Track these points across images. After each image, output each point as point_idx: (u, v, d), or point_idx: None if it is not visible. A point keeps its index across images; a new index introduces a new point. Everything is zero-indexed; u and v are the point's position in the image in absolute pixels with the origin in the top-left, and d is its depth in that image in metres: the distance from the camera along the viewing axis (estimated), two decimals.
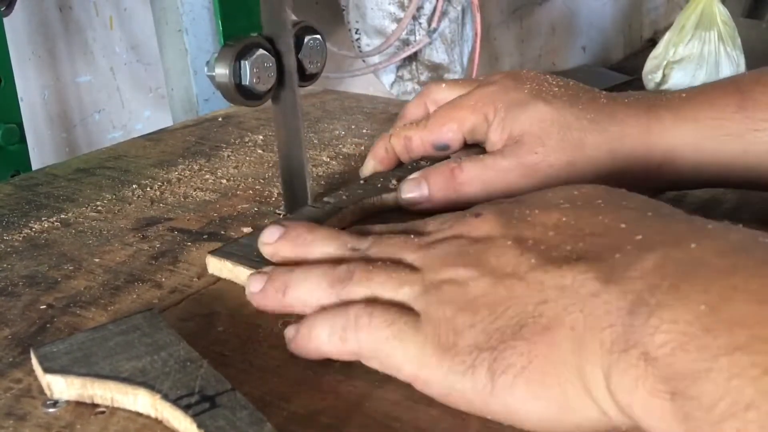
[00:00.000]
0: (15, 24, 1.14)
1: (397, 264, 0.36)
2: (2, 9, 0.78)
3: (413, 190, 0.50)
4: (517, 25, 1.92)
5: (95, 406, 0.34)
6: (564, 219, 0.33)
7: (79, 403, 0.34)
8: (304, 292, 0.38)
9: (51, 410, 0.34)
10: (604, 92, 0.50)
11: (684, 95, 0.48)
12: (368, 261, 0.37)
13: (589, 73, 2.01)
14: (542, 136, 0.47)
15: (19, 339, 0.39)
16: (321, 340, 0.35)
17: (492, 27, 1.83)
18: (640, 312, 0.27)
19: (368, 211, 0.52)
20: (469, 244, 0.35)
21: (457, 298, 0.33)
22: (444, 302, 0.33)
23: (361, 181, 0.54)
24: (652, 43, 2.08)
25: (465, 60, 1.31)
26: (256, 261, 0.43)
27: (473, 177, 0.49)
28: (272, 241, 0.41)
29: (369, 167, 0.55)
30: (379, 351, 0.34)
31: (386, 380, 0.35)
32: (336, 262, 0.38)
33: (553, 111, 0.48)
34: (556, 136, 0.47)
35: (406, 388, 0.34)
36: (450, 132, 0.51)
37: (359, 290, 0.36)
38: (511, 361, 0.30)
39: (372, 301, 0.35)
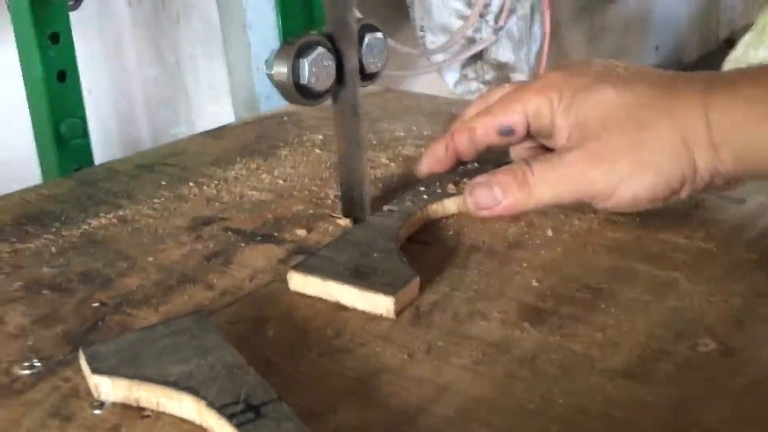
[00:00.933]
0: (84, 18, 1.16)
1: None
2: (70, 3, 0.79)
3: (485, 195, 0.48)
4: (588, 23, 1.87)
5: (141, 409, 0.33)
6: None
7: (125, 406, 0.34)
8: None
9: (97, 412, 0.33)
10: (670, 72, 0.48)
11: (751, 73, 0.45)
12: None
13: None
14: (605, 120, 0.46)
15: (71, 336, 0.39)
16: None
17: (561, 25, 1.79)
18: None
19: (429, 219, 0.51)
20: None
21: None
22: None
23: (421, 188, 0.52)
24: (729, 43, 2.00)
25: (532, 59, 1.28)
26: (344, 274, 0.42)
27: (544, 177, 0.47)
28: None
29: (425, 167, 0.54)
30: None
31: (440, 394, 0.34)
32: None
33: (615, 94, 0.46)
34: (618, 119, 0.46)
35: (461, 404, 0.33)
36: (515, 114, 0.50)
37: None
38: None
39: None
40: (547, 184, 0.47)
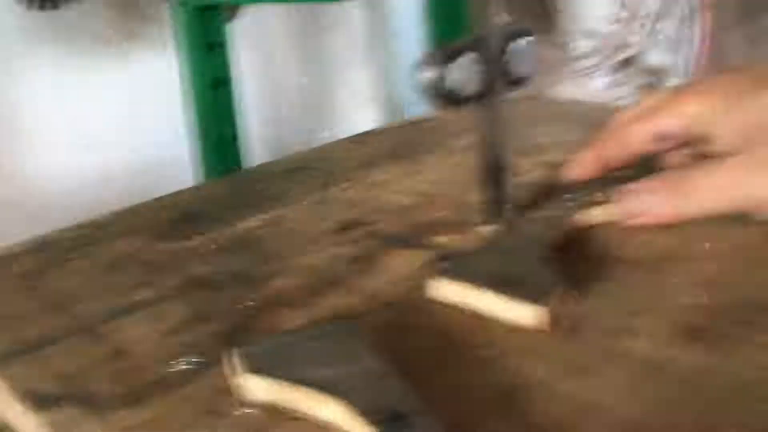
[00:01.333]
0: (240, 29, 1.21)
1: None
2: (228, 14, 0.83)
3: (636, 202, 0.46)
4: (749, 27, 1.76)
5: (289, 411, 0.34)
6: None
7: (273, 407, 0.34)
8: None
9: (247, 411, 0.34)
10: None
11: None
12: None
13: None
14: None
15: (224, 335, 0.40)
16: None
17: (721, 29, 1.70)
18: None
19: (575, 227, 0.49)
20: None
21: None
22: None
23: (567, 195, 0.51)
24: None
25: (689, 63, 1.22)
26: (491, 282, 0.41)
27: (703, 185, 0.44)
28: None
29: (571, 173, 0.52)
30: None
31: (588, 412, 0.32)
32: None
33: None
34: None
35: (610, 423, 0.31)
36: (672, 119, 0.47)
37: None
38: None
39: None
40: (705, 192, 0.44)
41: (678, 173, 0.45)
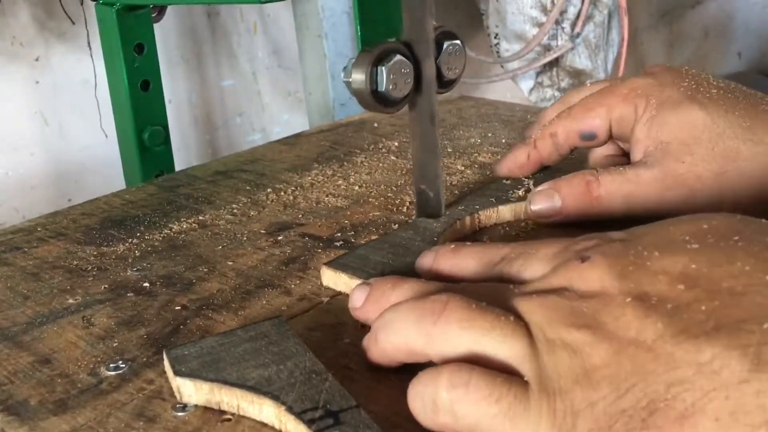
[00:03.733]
0: (165, 29, 1.20)
1: (501, 310, 0.30)
2: (154, 15, 0.81)
3: (544, 202, 0.47)
4: (667, 30, 1.83)
5: (222, 412, 0.34)
6: (693, 266, 0.27)
7: (207, 409, 0.34)
8: (392, 334, 0.33)
9: (180, 414, 0.34)
10: (767, 98, 0.46)
11: None
12: (465, 298, 0.31)
13: (744, 81, 1.89)
14: (691, 144, 0.44)
15: (154, 339, 0.40)
16: (419, 413, 0.30)
17: (639, 31, 1.75)
18: None
19: (482, 225, 0.50)
20: (579, 298, 0.28)
21: (573, 368, 0.27)
22: (559, 372, 0.27)
23: (491, 192, 0.52)
24: None
25: (609, 66, 1.26)
26: (372, 273, 0.42)
27: (612, 191, 0.45)
28: (359, 306, 0.37)
29: (505, 170, 0.53)
30: (482, 430, 0.28)
31: None
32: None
33: (705, 116, 0.44)
34: (707, 144, 0.43)
35: None
36: (597, 119, 0.48)
37: (452, 331, 0.30)
38: None
39: (466, 360, 0.29)
40: (616, 197, 0.45)
41: (587, 177, 0.46)
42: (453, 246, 0.39)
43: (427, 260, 0.40)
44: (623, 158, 0.51)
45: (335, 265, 0.44)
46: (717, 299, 0.26)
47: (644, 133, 0.46)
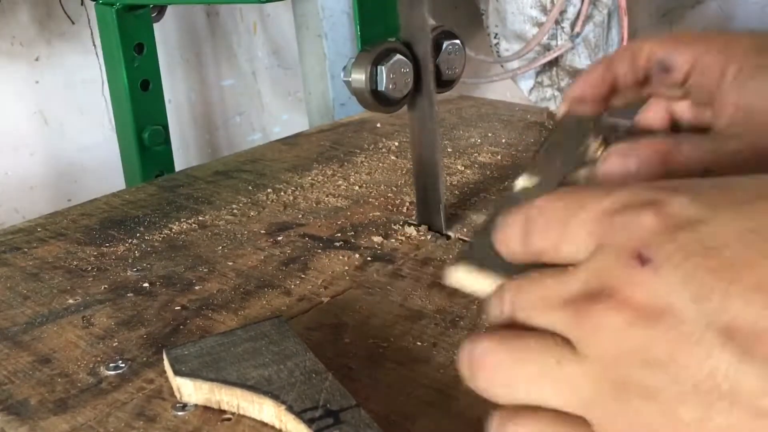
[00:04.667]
0: (165, 29, 1.20)
1: (544, 341, 0.25)
2: (153, 15, 0.81)
3: (620, 164, 0.41)
4: (667, 30, 1.82)
5: (222, 412, 0.34)
6: None
7: (206, 408, 0.34)
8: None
9: (180, 413, 0.34)
10: None
11: None
12: (502, 340, 0.26)
13: None
14: None
15: (154, 339, 0.40)
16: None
17: (639, 31, 1.75)
18: None
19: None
20: (642, 322, 0.22)
21: (649, 418, 0.22)
22: (631, 422, 0.22)
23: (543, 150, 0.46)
24: None
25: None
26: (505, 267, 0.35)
27: (693, 160, 0.40)
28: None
29: (578, 91, 0.46)
30: None
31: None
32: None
33: None
34: None
35: None
36: (685, 55, 0.43)
37: (498, 386, 0.26)
38: None
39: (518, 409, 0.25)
40: (697, 168, 0.40)
41: (670, 147, 0.40)
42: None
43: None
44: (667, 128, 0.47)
45: (467, 263, 0.33)
46: None
47: (733, 96, 0.41)
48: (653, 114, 0.47)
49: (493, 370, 0.26)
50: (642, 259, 0.22)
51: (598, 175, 0.40)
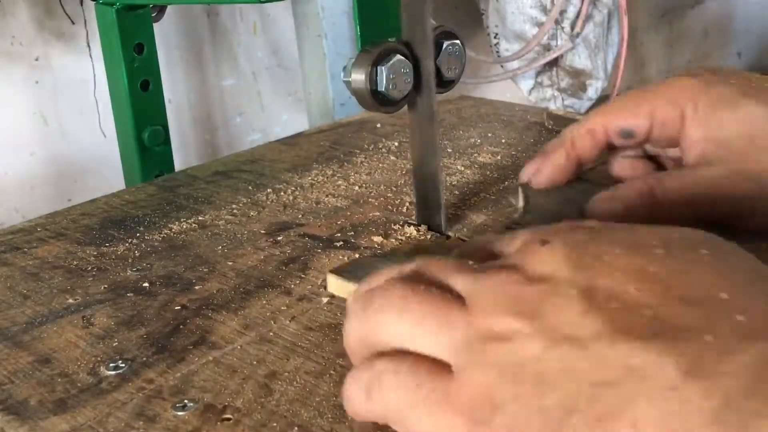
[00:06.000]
0: (165, 29, 1.20)
1: (443, 292, 0.29)
2: (153, 15, 0.81)
3: (607, 210, 0.45)
4: (666, 30, 1.83)
5: (222, 412, 0.34)
6: (651, 269, 0.26)
7: (206, 408, 0.34)
8: (349, 325, 0.32)
9: (179, 413, 0.34)
10: None
11: None
12: (408, 282, 0.30)
13: None
14: (754, 139, 0.42)
15: (154, 339, 0.40)
16: (353, 399, 0.30)
17: (639, 31, 1.75)
18: (730, 421, 0.22)
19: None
20: (526, 282, 0.27)
21: (502, 359, 0.26)
22: (487, 361, 0.26)
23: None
24: None
25: (609, 66, 1.25)
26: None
27: (676, 194, 0.44)
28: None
29: (545, 179, 0.50)
30: (405, 417, 0.28)
31: None
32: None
33: (763, 109, 0.43)
34: None
35: None
36: (640, 117, 0.46)
37: (390, 320, 0.29)
38: None
39: (401, 352, 0.29)
40: (679, 201, 0.43)
41: (652, 184, 0.44)
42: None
43: None
44: (648, 163, 0.50)
45: (342, 273, 0.43)
46: (665, 306, 0.25)
47: (700, 134, 0.44)
48: (620, 167, 0.50)
49: (389, 303, 0.29)
50: (543, 241, 0.28)
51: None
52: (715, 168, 0.43)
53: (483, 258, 0.31)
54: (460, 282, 0.29)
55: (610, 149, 0.50)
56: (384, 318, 0.29)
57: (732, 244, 0.28)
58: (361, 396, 0.29)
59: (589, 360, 0.24)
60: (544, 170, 0.50)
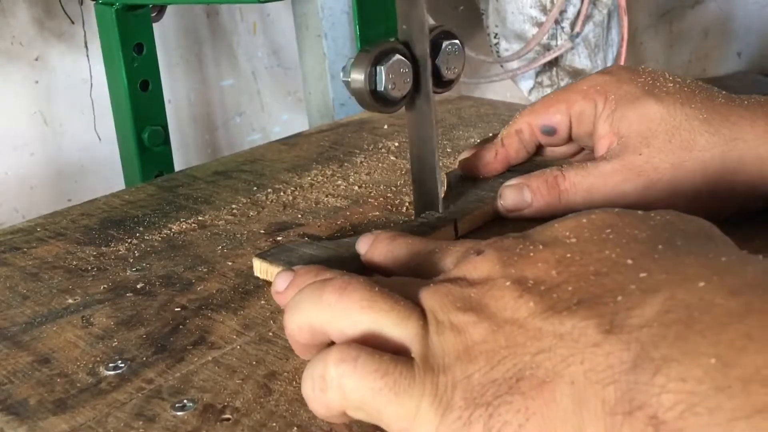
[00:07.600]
0: (165, 29, 1.20)
1: (404, 297, 0.32)
2: (153, 15, 0.81)
3: (515, 197, 0.49)
4: (666, 29, 1.83)
5: (221, 412, 0.34)
6: (568, 255, 0.30)
7: (206, 408, 0.34)
8: (296, 313, 0.33)
9: (179, 413, 0.34)
10: (723, 92, 0.47)
11: None
12: (369, 280, 0.32)
13: (744, 80, 1.89)
14: (648, 137, 0.45)
15: (153, 339, 0.40)
16: (305, 390, 0.31)
17: (639, 31, 1.75)
18: (645, 367, 0.24)
19: (475, 224, 0.50)
20: (469, 285, 0.31)
21: (456, 346, 0.29)
22: (444, 350, 0.29)
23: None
24: None
25: (609, 65, 1.26)
26: (293, 264, 0.42)
27: (576, 183, 0.47)
28: (282, 290, 0.37)
29: (472, 169, 0.54)
30: (368, 404, 0.29)
31: None
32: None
33: (662, 109, 0.45)
34: (663, 136, 0.45)
35: None
36: (558, 114, 0.50)
37: (353, 310, 0.31)
38: (507, 418, 0.27)
39: (364, 340, 0.30)
40: (579, 191, 0.47)
41: (554, 172, 0.48)
42: (391, 234, 0.40)
43: (364, 244, 0.41)
44: (582, 158, 0.53)
45: (265, 256, 0.44)
46: (582, 281, 0.28)
47: (606, 129, 0.48)
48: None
49: (356, 290, 0.31)
50: (478, 252, 0.32)
51: (498, 209, 0.50)
52: (610, 163, 0.46)
53: (428, 276, 0.35)
54: (414, 293, 0.32)
55: (537, 151, 0.53)
56: (347, 307, 0.31)
57: (631, 218, 0.31)
58: (315, 388, 0.30)
59: (528, 335, 0.28)
60: (471, 161, 0.54)
